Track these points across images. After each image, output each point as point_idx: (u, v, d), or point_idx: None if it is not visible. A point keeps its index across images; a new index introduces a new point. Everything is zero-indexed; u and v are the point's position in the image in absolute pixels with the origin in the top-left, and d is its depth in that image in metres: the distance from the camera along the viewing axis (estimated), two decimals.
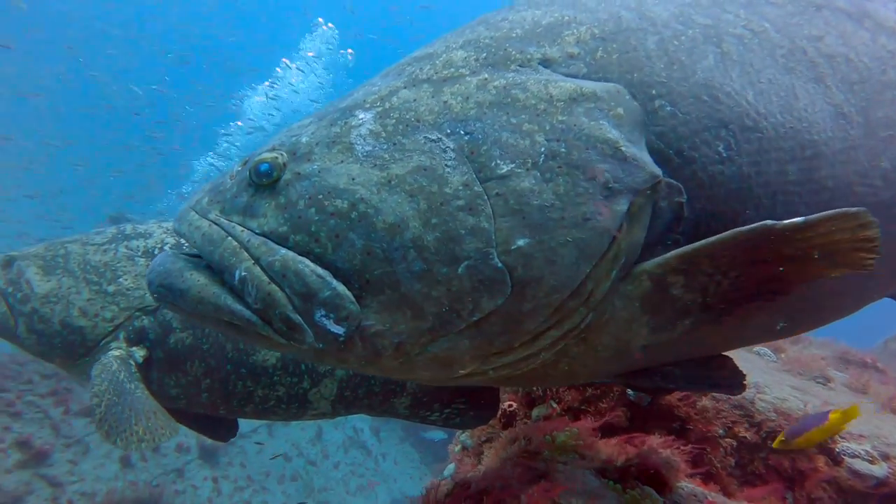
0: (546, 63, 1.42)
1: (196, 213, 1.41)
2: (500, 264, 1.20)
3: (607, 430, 2.84)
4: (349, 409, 3.05)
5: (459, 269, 1.21)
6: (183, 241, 1.34)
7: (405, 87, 1.41)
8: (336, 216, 1.25)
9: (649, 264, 1.30)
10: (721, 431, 3.19)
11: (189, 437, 9.36)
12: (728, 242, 1.24)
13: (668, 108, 1.35)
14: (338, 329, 1.25)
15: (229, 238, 1.32)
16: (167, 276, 1.35)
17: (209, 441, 9.59)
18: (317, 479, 11.16)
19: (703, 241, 1.26)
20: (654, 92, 1.36)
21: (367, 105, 1.40)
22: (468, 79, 1.39)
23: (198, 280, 1.32)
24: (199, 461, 9.28)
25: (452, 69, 1.43)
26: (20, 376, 7.71)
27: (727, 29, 1.48)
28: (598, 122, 1.29)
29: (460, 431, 4.15)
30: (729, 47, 1.44)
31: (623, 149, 1.28)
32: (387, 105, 1.38)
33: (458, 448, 4.06)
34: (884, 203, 1.50)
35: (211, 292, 1.31)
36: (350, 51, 23.78)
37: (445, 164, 1.26)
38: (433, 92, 1.38)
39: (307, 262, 1.25)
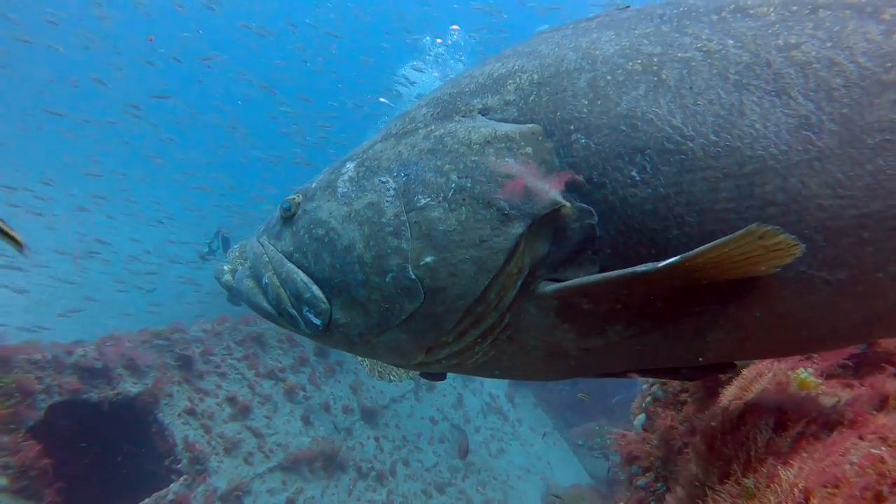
0: (485, 111, 1.61)
1: (255, 238, 1.90)
2: (413, 276, 1.49)
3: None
4: None
5: (387, 279, 1.52)
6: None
7: (380, 141, 1.73)
8: (317, 240, 1.64)
9: (549, 288, 1.44)
10: None
11: (352, 399, 10.35)
12: (602, 284, 1.36)
13: (583, 141, 1.45)
14: (317, 321, 1.64)
15: (264, 255, 1.78)
16: (236, 283, 1.88)
17: (368, 404, 10.50)
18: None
19: (579, 280, 1.39)
20: (571, 127, 1.47)
21: (354, 157, 1.75)
22: (420, 131, 1.66)
23: (248, 285, 1.81)
24: (361, 422, 10.21)
25: (413, 124, 1.70)
26: (220, 343, 8.96)
27: (675, 54, 1.48)
28: (503, 160, 1.48)
29: (648, 386, 4.37)
30: (669, 73, 1.45)
31: (523, 181, 1.45)
32: (364, 156, 1.71)
33: (648, 399, 4.28)
34: (869, 215, 1.31)
35: (252, 292, 1.79)
36: None
37: (386, 200, 1.56)
38: (394, 143, 1.67)
39: (300, 272, 1.67)
